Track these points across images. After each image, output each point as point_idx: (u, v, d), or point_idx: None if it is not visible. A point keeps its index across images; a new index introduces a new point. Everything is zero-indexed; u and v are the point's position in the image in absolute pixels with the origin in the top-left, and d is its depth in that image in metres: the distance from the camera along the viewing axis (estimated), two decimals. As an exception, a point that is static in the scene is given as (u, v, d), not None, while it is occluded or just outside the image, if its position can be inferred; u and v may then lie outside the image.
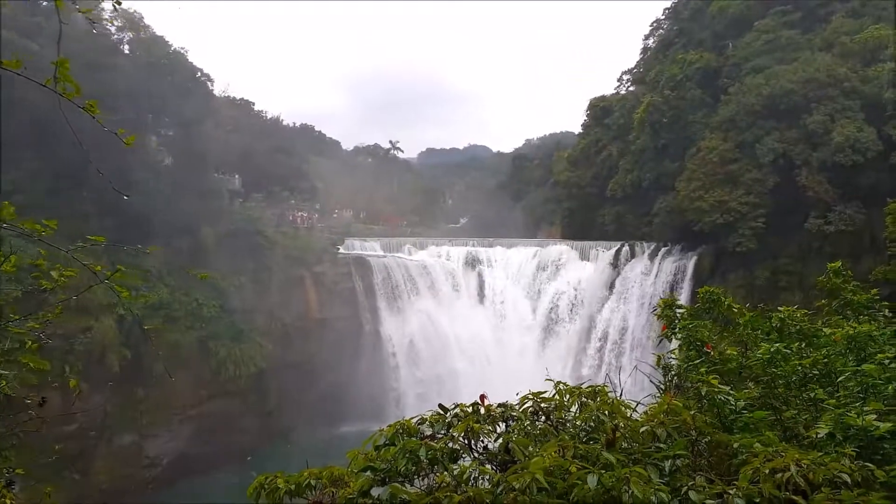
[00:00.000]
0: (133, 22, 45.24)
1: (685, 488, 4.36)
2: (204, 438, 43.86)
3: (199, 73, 48.06)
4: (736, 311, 8.90)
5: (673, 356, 8.00)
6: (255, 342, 47.20)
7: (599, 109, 70.77)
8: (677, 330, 8.35)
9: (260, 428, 46.34)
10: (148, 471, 41.53)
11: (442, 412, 5.44)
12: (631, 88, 74.12)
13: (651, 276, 51.35)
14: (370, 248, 62.36)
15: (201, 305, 44.98)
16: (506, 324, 58.39)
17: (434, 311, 56.67)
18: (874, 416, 5.22)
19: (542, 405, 5.36)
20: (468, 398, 5.60)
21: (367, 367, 51.39)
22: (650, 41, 75.72)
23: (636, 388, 7.98)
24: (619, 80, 78.76)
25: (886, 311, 9.53)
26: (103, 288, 5.64)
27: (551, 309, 56.57)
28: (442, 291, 58.32)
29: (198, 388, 44.86)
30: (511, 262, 61.85)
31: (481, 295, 60.25)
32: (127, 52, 45.51)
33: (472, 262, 61.56)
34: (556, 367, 53.59)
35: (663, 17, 74.85)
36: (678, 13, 70.30)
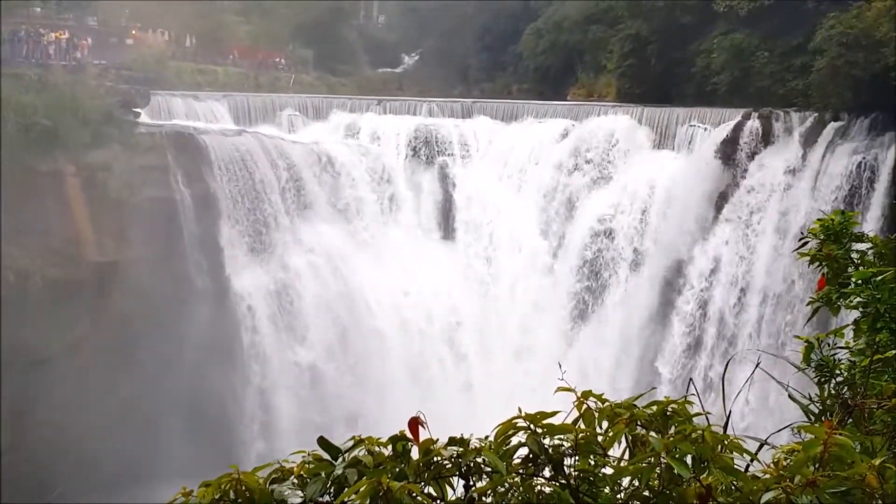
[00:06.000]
0: None
1: None
2: None
3: None
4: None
5: (841, 342, 7.86)
6: (-42, 312, 46.69)
7: None
8: (852, 287, 8.20)
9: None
10: None
11: (327, 455, 5.25)
12: None
13: (805, 180, 51.46)
14: (208, 116, 61.41)
15: None
16: (499, 277, 58.92)
17: (345, 252, 56.56)
18: None
19: (549, 442, 5.17)
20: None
21: (201, 364, 51.21)
22: None
23: (762, 408, 7.84)
24: None
25: None
26: None
27: (594, 246, 56.93)
28: (363, 210, 58.27)
29: None
30: (511, 148, 62.03)
31: (447, 219, 60.22)
32: None
33: (426, 149, 61.30)
34: (603, 365, 54.10)
35: None
36: None
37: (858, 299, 7.96)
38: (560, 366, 6.73)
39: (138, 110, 58.05)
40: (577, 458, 5.21)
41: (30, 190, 49.90)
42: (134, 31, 77.22)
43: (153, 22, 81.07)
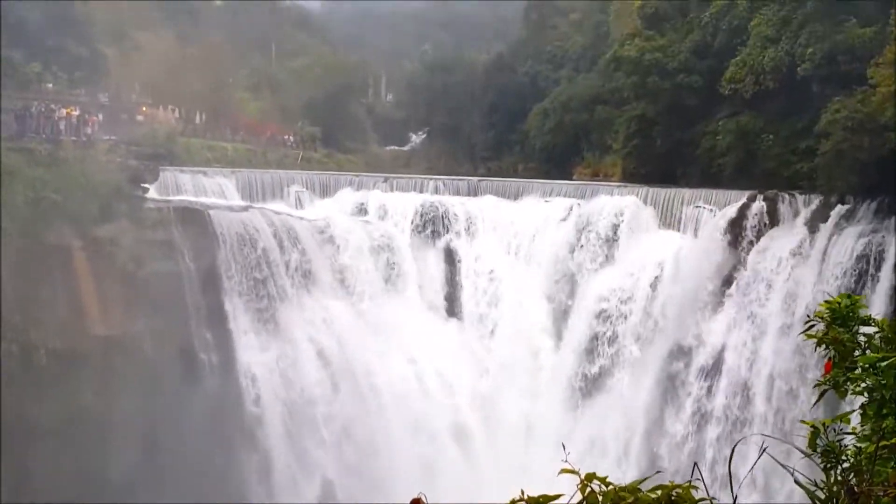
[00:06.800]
0: None
1: None
2: None
3: None
4: None
5: (848, 427, 7.81)
6: (-36, 383, 46.60)
7: None
8: (858, 372, 8.16)
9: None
10: None
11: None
12: None
13: (811, 262, 51.53)
14: (215, 191, 61.70)
15: None
16: (505, 356, 59.00)
17: (350, 328, 56.63)
18: None
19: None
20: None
21: (206, 437, 51.13)
22: None
23: (769, 495, 7.76)
24: None
25: None
26: None
27: (600, 325, 56.94)
28: (368, 286, 58.47)
29: None
30: (515, 227, 62.25)
31: (452, 296, 60.31)
32: None
33: (432, 226, 61.56)
34: (607, 446, 54.02)
35: None
36: None
37: (865, 384, 7.92)
38: (564, 447, 6.69)
39: (147, 185, 58.39)
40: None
41: (37, 262, 50.04)
42: (144, 108, 77.92)
43: (164, 98, 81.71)
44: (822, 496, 7.37)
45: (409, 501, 5.32)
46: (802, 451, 7.81)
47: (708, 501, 5.55)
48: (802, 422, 7.79)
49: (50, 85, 66.17)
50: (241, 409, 53.52)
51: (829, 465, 7.57)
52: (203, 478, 50.66)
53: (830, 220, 52.67)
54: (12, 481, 47.73)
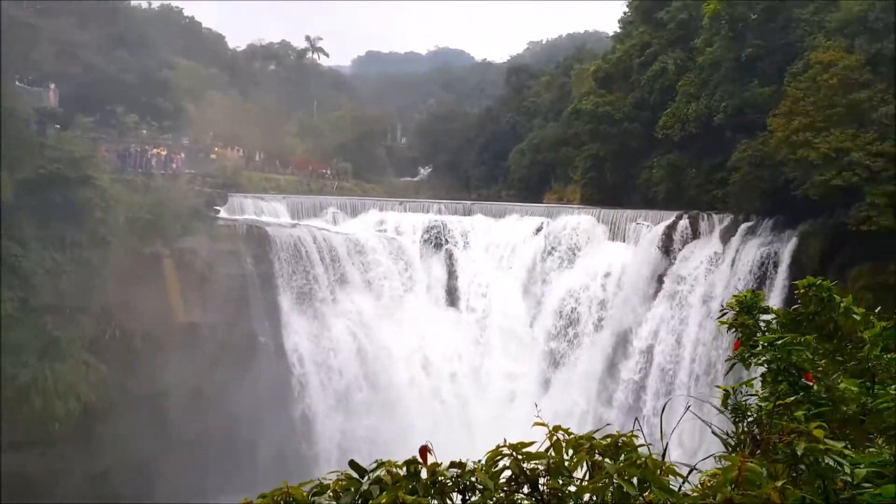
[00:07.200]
0: None
1: None
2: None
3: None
4: (858, 319, 8.74)
5: (751, 391, 7.82)
6: (79, 361, 46.35)
7: (649, -3, 70.96)
8: (759, 348, 8.19)
9: (84, 499, 45.70)
10: None
11: (356, 474, 5.22)
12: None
13: (723, 266, 51.75)
14: (271, 212, 61.95)
15: (-11, 298, 44.07)
16: (490, 340, 59.06)
17: (373, 317, 56.82)
18: None
19: (527, 465, 5.14)
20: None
21: (262, 402, 51.24)
22: None
23: (692, 442, 7.75)
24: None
25: None
26: None
27: (562, 316, 57.05)
28: (387, 285, 58.64)
29: (-18, 432, 43.99)
30: (499, 239, 62.47)
31: (451, 291, 60.59)
32: None
33: (436, 239, 61.74)
34: (568, 407, 54.36)
35: None
36: None
37: (765, 358, 7.95)
38: (536, 405, 6.70)
39: (218, 208, 58.82)
40: (548, 478, 5.22)
41: (134, 267, 50.22)
42: (216, 148, 78.38)
43: (231, 141, 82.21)
44: (733, 443, 7.39)
45: (419, 448, 5.37)
46: (718, 409, 7.83)
47: (646, 447, 5.58)
48: (717, 386, 7.83)
49: (144, 131, 66.80)
50: (293, 382, 53.86)
51: (737, 420, 7.60)
52: (262, 431, 50.99)
53: (738, 233, 53.03)
54: (114, 435, 47.87)
